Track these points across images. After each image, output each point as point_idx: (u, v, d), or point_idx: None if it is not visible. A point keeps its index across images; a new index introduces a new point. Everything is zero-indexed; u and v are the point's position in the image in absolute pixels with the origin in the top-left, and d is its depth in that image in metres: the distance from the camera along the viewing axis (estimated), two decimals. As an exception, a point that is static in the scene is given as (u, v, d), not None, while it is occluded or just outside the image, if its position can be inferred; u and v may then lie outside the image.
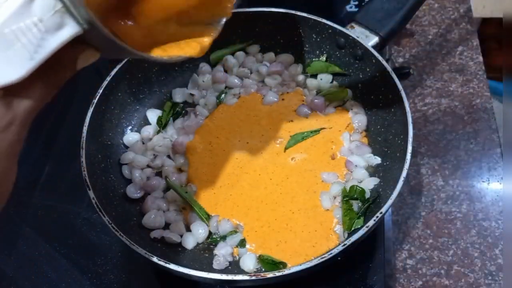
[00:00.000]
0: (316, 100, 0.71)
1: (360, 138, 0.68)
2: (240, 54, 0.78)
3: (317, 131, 0.69)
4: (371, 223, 0.53)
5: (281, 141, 0.69)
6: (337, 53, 0.73)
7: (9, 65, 0.30)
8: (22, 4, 0.30)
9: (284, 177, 0.65)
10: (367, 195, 0.62)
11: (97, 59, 0.38)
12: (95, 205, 0.56)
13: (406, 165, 0.57)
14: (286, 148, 0.68)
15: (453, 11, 0.93)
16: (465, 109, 0.80)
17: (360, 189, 0.62)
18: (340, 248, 0.52)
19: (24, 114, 0.34)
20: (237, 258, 0.60)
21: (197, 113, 0.73)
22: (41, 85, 0.34)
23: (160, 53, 0.42)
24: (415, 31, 0.90)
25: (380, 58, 0.66)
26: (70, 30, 0.33)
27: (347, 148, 0.67)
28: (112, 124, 0.70)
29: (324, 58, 0.75)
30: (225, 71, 0.77)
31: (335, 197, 0.63)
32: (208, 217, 0.63)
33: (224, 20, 0.49)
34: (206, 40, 0.48)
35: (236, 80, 0.75)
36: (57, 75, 0.36)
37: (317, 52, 0.75)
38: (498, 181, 0.72)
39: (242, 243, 0.61)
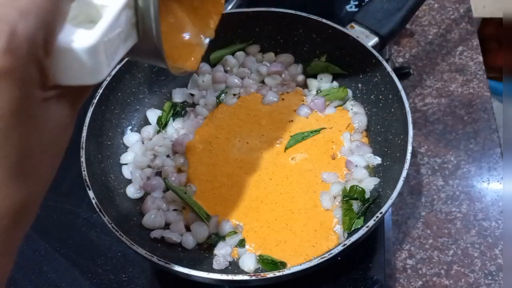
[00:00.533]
0: (316, 100, 0.71)
1: (361, 138, 0.68)
2: (240, 54, 0.77)
3: (317, 131, 0.69)
4: (371, 223, 0.53)
5: (281, 141, 0.69)
6: (337, 53, 0.73)
7: (96, 70, 0.33)
8: (115, 17, 0.33)
9: (284, 177, 0.65)
10: (367, 195, 0.62)
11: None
12: (95, 205, 0.56)
13: (406, 165, 0.57)
14: (286, 148, 0.68)
15: (453, 11, 0.93)
16: (465, 109, 0.80)
17: (360, 189, 0.62)
18: (340, 248, 0.52)
19: (79, 108, 0.36)
20: (237, 258, 0.60)
21: (197, 113, 0.73)
22: None
23: (171, 63, 0.43)
24: (415, 31, 0.90)
25: (380, 58, 0.66)
26: (133, 39, 0.37)
27: (348, 148, 0.67)
28: (112, 124, 0.70)
29: (324, 58, 0.75)
30: (225, 71, 0.77)
31: (335, 197, 0.63)
32: (208, 217, 0.62)
33: (208, 40, 0.50)
34: (198, 54, 0.49)
35: (236, 80, 0.75)
36: None
37: (317, 52, 0.75)
38: (498, 181, 0.72)
39: (241, 243, 0.61)
